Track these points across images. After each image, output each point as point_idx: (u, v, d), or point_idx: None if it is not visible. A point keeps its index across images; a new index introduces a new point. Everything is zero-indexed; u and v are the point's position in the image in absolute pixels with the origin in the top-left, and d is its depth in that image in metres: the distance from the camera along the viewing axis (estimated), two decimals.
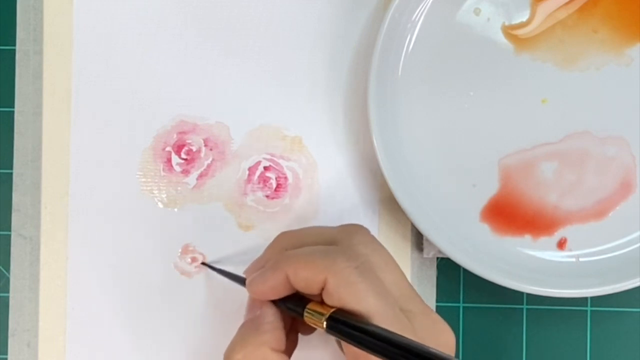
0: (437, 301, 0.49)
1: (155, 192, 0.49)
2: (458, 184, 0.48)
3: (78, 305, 0.49)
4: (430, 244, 0.47)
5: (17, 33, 0.49)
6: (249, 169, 0.49)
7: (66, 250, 0.49)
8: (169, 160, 0.49)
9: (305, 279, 0.38)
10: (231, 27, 0.49)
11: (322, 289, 0.38)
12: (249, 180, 0.49)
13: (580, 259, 0.47)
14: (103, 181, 0.49)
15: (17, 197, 0.49)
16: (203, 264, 0.48)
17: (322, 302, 0.39)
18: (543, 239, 0.47)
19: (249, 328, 0.40)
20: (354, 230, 0.42)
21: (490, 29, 0.48)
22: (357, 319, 0.37)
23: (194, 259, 0.49)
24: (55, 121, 0.49)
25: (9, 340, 0.49)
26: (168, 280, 0.49)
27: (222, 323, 0.48)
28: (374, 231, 0.48)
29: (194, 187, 0.49)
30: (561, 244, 0.47)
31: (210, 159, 0.49)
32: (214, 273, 0.48)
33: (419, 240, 0.49)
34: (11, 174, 0.49)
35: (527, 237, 0.47)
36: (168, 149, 0.49)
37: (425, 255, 0.48)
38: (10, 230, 0.49)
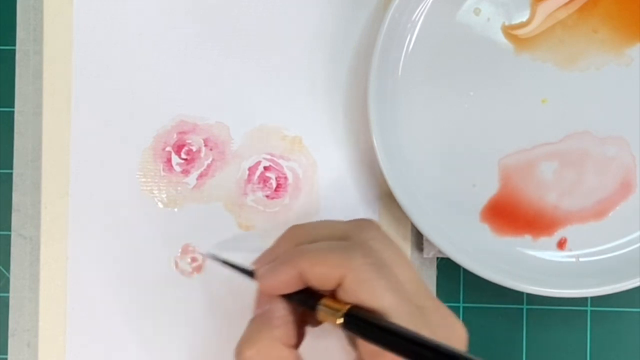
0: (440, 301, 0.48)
1: (155, 192, 0.49)
2: (458, 184, 0.48)
3: (78, 305, 0.49)
4: (430, 244, 0.47)
5: (17, 33, 0.49)
6: (249, 169, 0.49)
7: (66, 250, 0.49)
8: (169, 160, 0.49)
9: (321, 275, 0.38)
10: (231, 27, 0.49)
11: (337, 285, 0.38)
12: (249, 180, 0.49)
13: (580, 259, 0.47)
14: (103, 181, 0.49)
15: (17, 197, 0.49)
16: (209, 254, 0.48)
17: (334, 298, 0.38)
18: (543, 239, 0.47)
19: (260, 323, 0.40)
20: (367, 225, 0.42)
21: (490, 29, 0.48)
22: (374, 316, 0.37)
23: (194, 259, 0.49)
24: (55, 121, 0.49)
25: (9, 340, 0.49)
26: (168, 280, 0.49)
27: (222, 323, 0.48)
28: None
29: (194, 187, 0.49)
30: (561, 244, 0.47)
31: (210, 159, 0.49)
32: (215, 273, 0.48)
33: (419, 240, 0.49)
34: (11, 174, 0.49)
35: (527, 237, 0.47)
36: (168, 149, 0.49)
37: (425, 255, 0.48)
38: (10, 230, 0.49)
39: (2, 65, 0.50)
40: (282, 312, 0.39)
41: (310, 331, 0.43)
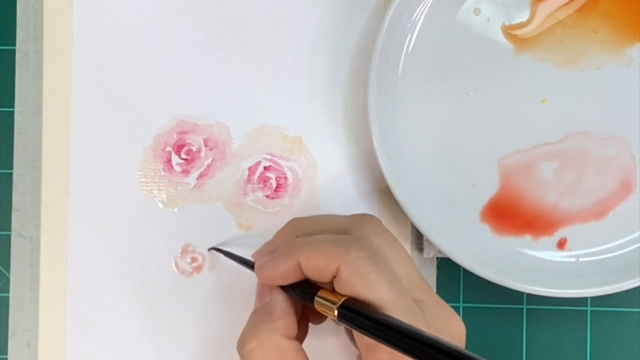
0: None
1: (155, 192, 0.49)
2: (458, 184, 0.48)
3: (78, 305, 0.49)
4: (430, 244, 0.47)
5: (17, 33, 0.49)
6: (249, 169, 0.49)
7: (66, 250, 0.49)
8: (169, 160, 0.49)
9: (318, 266, 0.38)
10: (231, 27, 0.49)
11: (334, 277, 0.38)
12: (249, 180, 0.49)
13: (580, 259, 0.47)
14: (103, 181, 0.49)
15: (17, 197, 0.49)
16: (213, 248, 0.48)
17: (332, 290, 0.38)
18: (543, 239, 0.47)
19: (260, 315, 0.40)
20: (367, 219, 0.42)
21: (490, 29, 0.48)
22: (369, 308, 0.37)
23: (194, 259, 0.49)
24: (55, 121, 0.49)
25: (9, 340, 0.49)
26: (168, 280, 0.49)
27: (222, 323, 0.48)
28: None
29: (194, 187, 0.49)
30: (561, 244, 0.47)
31: (210, 159, 0.49)
32: (215, 273, 0.48)
33: (419, 240, 0.49)
34: (11, 174, 0.49)
35: (527, 237, 0.47)
36: (168, 149, 0.49)
37: (425, 255, 0.48)
38: (10, 230, 0.49)
39: (2, 65, 0.50)
40: (282, 304, 0.40)
41: (310, 332, 0.43)
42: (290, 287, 0.40)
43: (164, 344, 0.49)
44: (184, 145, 0.49)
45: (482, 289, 0.48)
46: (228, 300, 0.48)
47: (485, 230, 0.47)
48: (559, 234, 0.47)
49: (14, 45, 0.49)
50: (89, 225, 0.49)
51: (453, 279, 0.49)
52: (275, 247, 0.41)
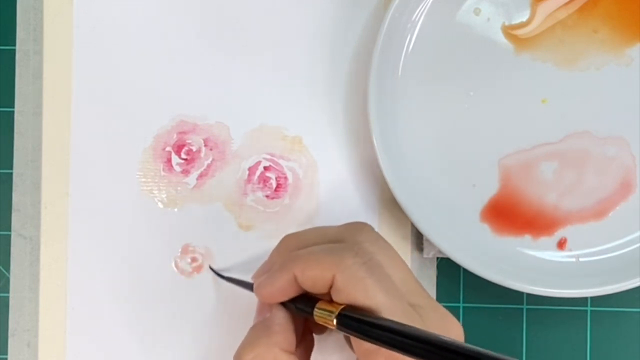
0: (437, 301, 0.48)
1: (155, 192, 0.49)
2: (458, 184, 0.48)
3: (78, 305, 0.49)
4: (430, 244, 0.47)
5: (17, 33, 0.49)
6: (249, 169, 0.49)
7: (66, 250, 0.49)
8: (169, 160, 0.49)
9: (313, 277, 0.38)
10: (231, 27, 0.49)
11: (330, 287, 0.38)
12: (249, 180, 0.49)
13: (580, 259, 0.47)
14: (103, 181, 0.49)
15: (17, 197, 0.49)
16: (211, 268, 0.48)
17: (331, 301, 0.39)
18: (543, 239, 0.47)
19: (259, 330, 0.40)
20: (359, 227, 0.42)
21: (490, 29, 0.48)
22: (367, 314, 0.37)
23: (194, 259, 0.49)
24: (55, 121, 0.49)
25: (9, 340, 0.49)
26: (168, 280, 0.49)
27: (222, 323, 0.48)
28: None
29: (194, 187, 0.49)
30: (561, 244, 0.47)
31: (210, 159, 0.49)
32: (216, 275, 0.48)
33: (419, 240, 0.49)
34: (11, 174, 0.49)
35: (527, 237, 0.47)
36: (168, 149, 0.49)
37: (425, 255, 0.48)
38: (10, 230, 0.49)
39: (2, 65, 0.50)
40: (281, 319, 0.40)
41: (323, 343, 0.43)
42: (290, 302, 0.40)
43: (165, 344, 0.49)
44: (184, 145, 0.49)
45: (482, 289, 0.48)
46: (228, 300, 0.48)
47: (485, 230, 0.47)
48: (559, 234, 0.47)
49: (14, 45, 0.49)
50: (89, 225, 0.49)
51: (453, 279, 0.49)
52: (272, 266, 0.42)
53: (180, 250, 0.49)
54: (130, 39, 0.49)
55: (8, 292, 0.49)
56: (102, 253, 0.49)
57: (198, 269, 0.49)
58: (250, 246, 0.48)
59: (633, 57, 0.47)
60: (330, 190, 0.49)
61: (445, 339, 0.33)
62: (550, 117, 0.47)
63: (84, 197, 0.49)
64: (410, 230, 0.49)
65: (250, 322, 0.42)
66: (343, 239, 0.41)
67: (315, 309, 0.39)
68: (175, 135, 0.49)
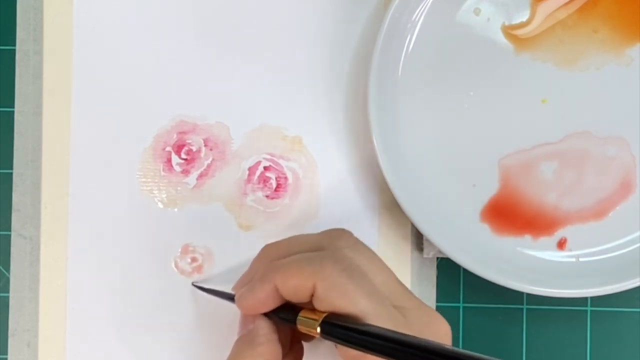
0: (437, 301, 0.49)
1: (155, 192, 0.49)
2: (458, 184, 0.48)
3: (78, 305, 0.49)
4: (430, 244, 0.47)
5: (17, 33, 0.49)
6: (249, 169, 0.49)
7: (66, 250, 0.49)
8: (169, 160, 0.49)
9: (294, 286, 0.38)
10: (231, 27, 0.49)
11: (312, 295, 0.38)
12: (249, 180, 0.49)
13: (580, 259, 0.47)
14: (103, 181, 0.49)
15: (17, 197, 0.49)
16: (193, 284, 0.48)
17: (314, 309, 0.38)
18: (543, 239, 0.47)
19: (243, 342, 0.40)
20: (338, 234, 0.42)
21: (490, 29, 0.48)
22: (351, 321, 0.37)
23: (194, 259, 0.49)
24: (55, 121, 0.49)
25: (9, 340, 0.49)
26: (168, 280, 0.49)
27: (222, 323, 0.48)
28: (373, 231, 0.48)
29: (194, 187, 0.49)
30: (561, 244, 0.47)
31: (210, 159, 0.49)
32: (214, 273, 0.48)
33: (419, 240, 0.49)
34: (11, 174, 0.49)
35: (527, 237, 0.47)
36: (168, 149, 0.49)
37: (425, 255, 0.48)
38: (10, 230, 0.49)
39: (2, 65, 0.50)
40: (264, 330, 0.40)
41: (314, 349, 0.43)
42: (273, 312, 0.40)
43: (165, 344, 0.49)
44: (184, 145, 0.49)
45: (482, 289, 0.48)
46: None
47: (485, 230, 0.47)
48: (559, 234, 0.47)
49: (14, 45, 0.49)
50: (89, 225, 0.49)
51: (453, 279, 0.49)
52: (252, 276, 0.42)
53: (180, 250, 0.49)
54: (130, 39, 0.49)
55: (8, 292, 0.49)
56: (102, 253, 0.49)
57: (198, 269, 0.49)
58: (250, 246, 0.48)
59: (633, 57, 0.47)
60: (330, 190, 0.49)
61: (429, 342, 0.34)
62: (550, 117, 0.47)
63: (84, 197, 0.49)
64: (410, 230, 0.49)
65: None
66: (323, 247, 0.41)
67: (299, 318, 0.39)
68: (175, 135, 0.49)
